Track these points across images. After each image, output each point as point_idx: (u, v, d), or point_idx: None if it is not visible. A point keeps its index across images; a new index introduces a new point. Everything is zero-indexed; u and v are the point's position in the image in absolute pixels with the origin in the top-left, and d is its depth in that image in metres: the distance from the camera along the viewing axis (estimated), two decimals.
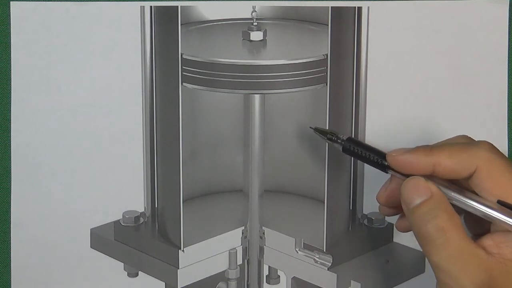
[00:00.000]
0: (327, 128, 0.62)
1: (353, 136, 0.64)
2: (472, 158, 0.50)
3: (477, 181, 0.50)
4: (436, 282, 0.49)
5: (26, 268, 0.64)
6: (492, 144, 0.51)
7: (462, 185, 0.51)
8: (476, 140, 0.53)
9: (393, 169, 0.52)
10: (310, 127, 0.58)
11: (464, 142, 0.52)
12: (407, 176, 0.51)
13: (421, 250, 0.50)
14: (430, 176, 0.51)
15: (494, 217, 0.49)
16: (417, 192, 0.50)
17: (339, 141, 0.56)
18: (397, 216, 0.56)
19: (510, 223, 0.49)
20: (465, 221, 0.53)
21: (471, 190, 0.50)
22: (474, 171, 0.50)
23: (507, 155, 0.64)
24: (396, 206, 0.54)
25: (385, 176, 0.54)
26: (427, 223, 0.49)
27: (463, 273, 0.48)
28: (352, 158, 0.63)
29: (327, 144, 0.62)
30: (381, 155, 0.53)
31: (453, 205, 0.50)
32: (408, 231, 0.53)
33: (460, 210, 0.50)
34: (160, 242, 0.64)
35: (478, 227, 0.52)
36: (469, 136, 0.54)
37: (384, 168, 0.53)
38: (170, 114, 0.62)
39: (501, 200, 0.49)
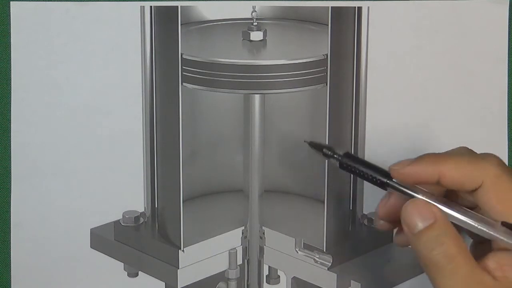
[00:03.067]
0: (327, 129, 0.62)
1: (353, 136, 0.64)
2: (479, 172, 0.49)
3: (481, 196, 0.49)
4: None
5: (26, 268, 0.64)
6: (500, 159, 0.50)
7: (463, 198, 0.50)
8: (478, 152, 0.52)
9: (393, 186, 0.50)
10: (304, 141, 0.55)
11: (471, 154, 0.50)
12: (406, 194, 0.50)
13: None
14: (429, 196, 0.49)
15: (498, 238, 0.48)
16: (420, 216, 0.48)
17: (335, 156, 0.53)
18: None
19: None
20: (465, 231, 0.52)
21: (474, 205, 0.49)
22: (480, 186, 0.49)
23: (507, 155, 0.64)
24: (395, 221, 0.52)
25: None
26: (433, 250, 0.48)
27: None
28: None
29: (327, 144, 0.62)
30: (381, 172, 0.51)
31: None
32: (407, 245, 0.52)
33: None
34: (160, 242, 0.64)
35: (480, 237, 0.51)
36: (469, 148, 0.52)
37: (383, 185, 0.51)
38: (170, 114, 0.62)
39: (505, 222, 0.48)
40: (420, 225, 0.48)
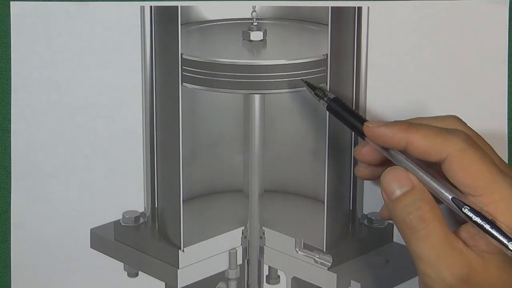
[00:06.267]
0: (327, 129, 0.62)
1: (353, 135, 0.64)
2: (445, 145, 0.50)
3: (448, 169, 0.50)
4: (418, 273, 0.50)
5: (26, 268, 0.64)
6: (468, 135, 0.51)
7: (436, 169, 0.52)
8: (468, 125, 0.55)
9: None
10: (301, 79, 0.60)
11: (443, 128, 0.52)
12: (382, 147, 0.53)
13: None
14: (405, 157, 0.52)
15: (455, 209, 0.50)
16: (398, 183, 0.51)
17: (325, 98, 0.57)
18: None
19: (467, 215, 0.49)
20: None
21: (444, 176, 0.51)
22: (445, 158, 0.50)
23: (507, 155, 0.64)
24: (372, 164, 0.56)
25: None
26: (410, 214, 0.50)
27: (444, 264, 0.49)
28: (352, 159, 0.64)
29: (327, 144, 0.62)
30: (362, 121, 0.54)
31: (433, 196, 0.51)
32: (391, 219, 0.53)
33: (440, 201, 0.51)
34: (160, 242, 0.64)
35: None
36: (460, 118, 0.55)
37: (363, 135, 0.54)
38: (170, 114, 0.62)
39: (456, 198, 0.50)
40: (398, 191, 0.51)
